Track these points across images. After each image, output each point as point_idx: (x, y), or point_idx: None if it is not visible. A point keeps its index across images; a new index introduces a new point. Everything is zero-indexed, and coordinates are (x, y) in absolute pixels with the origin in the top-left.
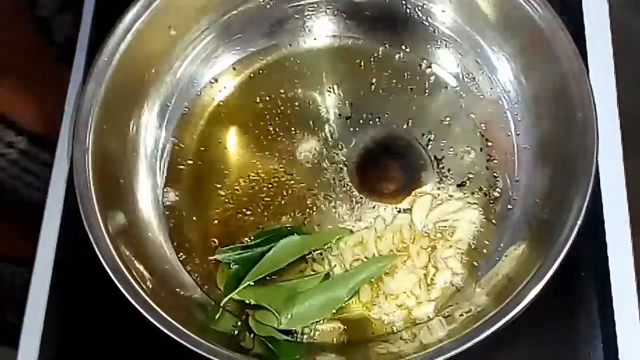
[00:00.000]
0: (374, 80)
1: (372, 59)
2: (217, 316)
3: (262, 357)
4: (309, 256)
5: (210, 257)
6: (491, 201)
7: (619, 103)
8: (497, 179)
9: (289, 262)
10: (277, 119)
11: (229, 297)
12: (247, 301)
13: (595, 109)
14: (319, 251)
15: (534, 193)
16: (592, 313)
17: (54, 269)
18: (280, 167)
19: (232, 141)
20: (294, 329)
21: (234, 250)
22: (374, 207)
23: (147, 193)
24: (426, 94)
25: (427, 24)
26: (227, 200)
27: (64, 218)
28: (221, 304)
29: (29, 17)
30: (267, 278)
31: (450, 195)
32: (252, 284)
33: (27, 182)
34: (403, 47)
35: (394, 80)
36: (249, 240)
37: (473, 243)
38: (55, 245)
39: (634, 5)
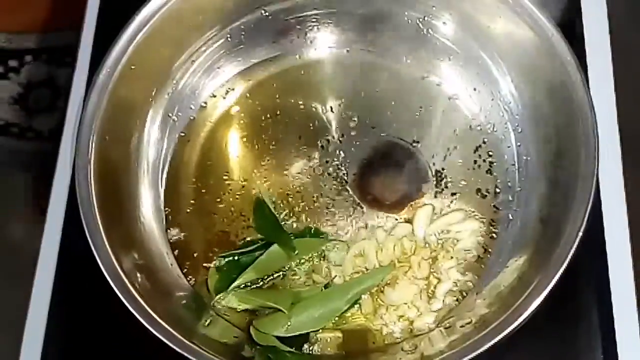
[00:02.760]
0: (375, 92)
1: (373, 71)
2: (209, 320)
3: None
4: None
5: (205, 264)
6: (492, 212)
7: (619, 114)
8: (498, 190)
9: (280, 268)
10: (279, 129)
11: (218, 297)
12: (238, 307)
13: (595, 120)
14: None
15: (535, 204)
16: (592, 324)
17: (55, 278)
18: (282, 178)
19: (234, 152)
20: (296, 335)
21: (230, 255)
22: (375, 218)
23: (149, 203)
24: (427, 106)
25: (429, 35)
26: (229, 210)
27: (65, 230)
28: (212, 303)
29: None
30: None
31: (451, 206)
32: (243, 287)
33: None
34: (404, 59)
35: (396, 92)
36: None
37: (474, 254)
38: (57, 257)
39: (633, 16)
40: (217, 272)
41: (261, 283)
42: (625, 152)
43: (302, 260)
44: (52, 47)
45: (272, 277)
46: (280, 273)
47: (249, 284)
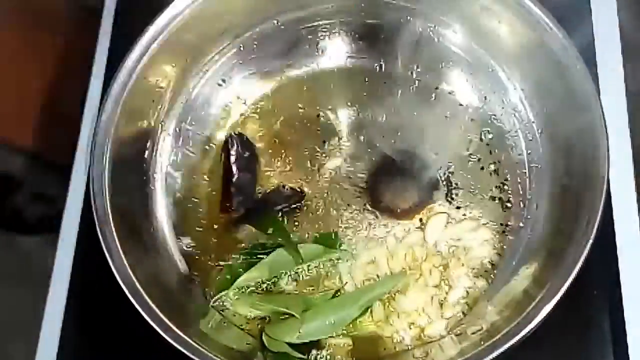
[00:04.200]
0: (386, 100)
1: (384, 79)
2: (221, 326)
3: None
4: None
5: (216, 271)
6: (503, 219)
7: (630, 120)
8: (509, 197)
9: (286, 271)
10: (291, 138)
11: (219, 295)
12: (249, 313)
13: (606, 127)
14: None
15: (545, 211)
16: (604, 331)
17: (70, 284)
18: (295, 186)
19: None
20: (307, 342)
21: (238, 256)
22: (386, 225)
23: (163, 212)
24: (437, 113)
25: (439, 44)
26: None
27: (80, 237)
28: (211, 304)
29: None
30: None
31: (462, 214)
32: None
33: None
34: (415, 67)
35: (407, 100)
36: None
37: (485, 262)
38: (72, 263)
39: None
40: (225, 271)
41: (264, 285)
42: (636, 159)
43: (309, 266)
44: None
45: (275, 280)
46: (287, 276)
47: (251, 284)
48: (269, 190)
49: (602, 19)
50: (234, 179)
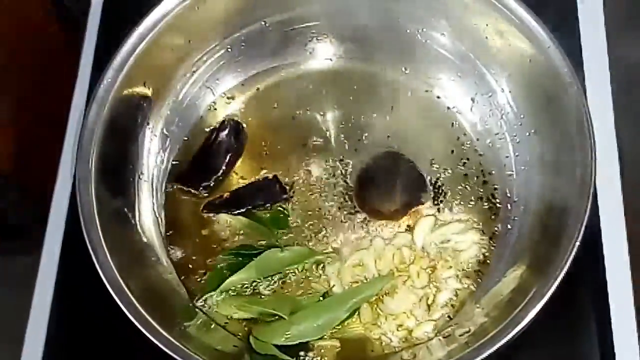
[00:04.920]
0: (374, 102)
1: (372, 81)
2: (208, 329)
3: None
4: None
5: (203, 273)
6: (491, 221)
7: (616, 123)
8: (496, 199)
9: (270, 274)
10: (279, 139)
11: (206, 295)
12: (236, 314)
13: (593, 130)
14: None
15: (532, 213)
16: (590, 332)
17: (56, 286)
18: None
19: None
20: (294, 344)
21: (226, 257)
22: (374, 227)
23: (149, 213)
24: (425, 116)
25: (427, 46)
26: (228, 219)
27: (66, 239)
28: (198, 302)
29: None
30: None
31: (450, 216)
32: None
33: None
34: (403, 69)
35: (394, 102)
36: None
37: (473, 264)
38: (57, 265)
39: (631, 28)
40: (211, 273)
41: (252, 287)
42: (623, 162)
43: (296, 268)
44: None
45: (262, 282)
46: (271, 278)
47: (238, 286)
48: (255, 180)
49: (589, 23)
50: (203, 157)
